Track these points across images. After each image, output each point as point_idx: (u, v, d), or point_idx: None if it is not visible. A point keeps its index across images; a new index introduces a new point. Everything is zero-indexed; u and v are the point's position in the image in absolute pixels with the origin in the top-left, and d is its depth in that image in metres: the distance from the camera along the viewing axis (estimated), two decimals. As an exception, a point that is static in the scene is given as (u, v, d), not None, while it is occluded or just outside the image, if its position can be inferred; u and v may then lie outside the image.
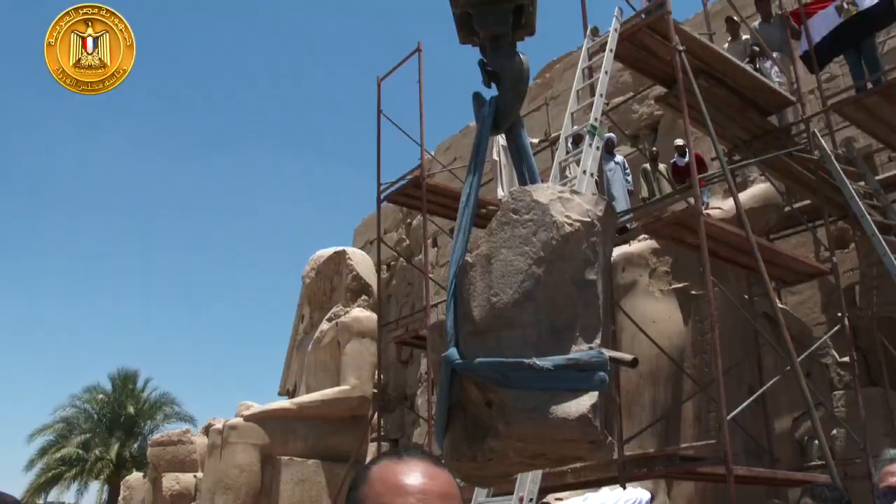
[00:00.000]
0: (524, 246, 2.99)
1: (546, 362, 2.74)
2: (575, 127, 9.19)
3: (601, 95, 9.01)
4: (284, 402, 14.23)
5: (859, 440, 8.35)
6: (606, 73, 9.22)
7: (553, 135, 13.18)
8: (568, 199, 3.18)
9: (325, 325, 14.92)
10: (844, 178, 9.82)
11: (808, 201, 11.56)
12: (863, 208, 9.69)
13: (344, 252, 15.78)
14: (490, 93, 3.62)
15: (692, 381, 8.88)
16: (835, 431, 9.39)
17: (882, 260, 9.58)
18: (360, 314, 14.60)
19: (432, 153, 14.89)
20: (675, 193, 10.56)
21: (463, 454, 2.87)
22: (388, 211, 16.95)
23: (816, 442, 9.13)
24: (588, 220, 3.09)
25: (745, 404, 7.89)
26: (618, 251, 9.47)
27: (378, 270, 14.77)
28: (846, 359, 10.50)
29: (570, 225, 3.04)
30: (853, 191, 9.77)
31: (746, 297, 9.98)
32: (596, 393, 2.80)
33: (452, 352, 2.83)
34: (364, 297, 15.01)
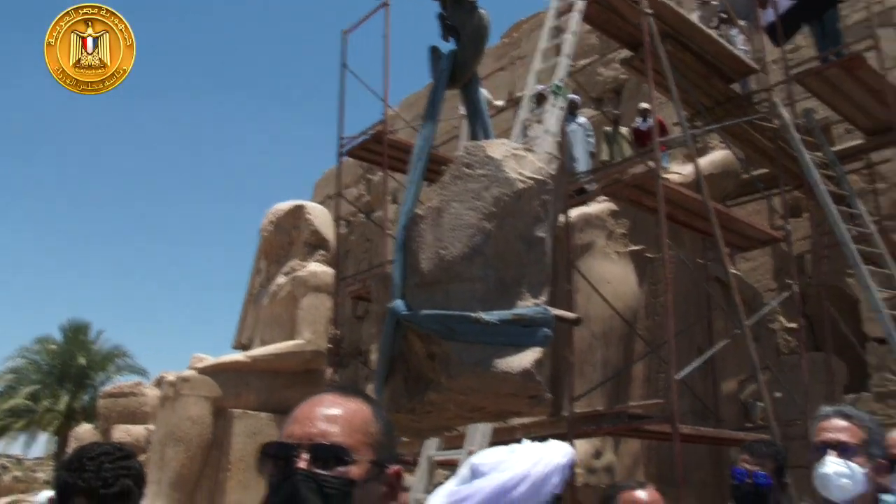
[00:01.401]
0: (475, 201, 2.99)
1: (492, 317, 2.75)
2: (539, 86, 9.16)
3: (567, 56, 8.97)
4: (238, 356, 14.18)
5: (801, 403, 8.55)
6: (574, 33, 9.18)
7: (517, 95, 13.13)
8: (522, 156, 3.18)
9: (281, 279, 14.84)
10: (802, 147, 9.94)
11: (765, 169, 11.69)
12: (818, 178, 9.82)
13: (303, 206, 15.66)
14: (449, 48, 3.59)
15: (644, 343, 9.01)
16: (778, 394, 9.60)
17: (833, 229, 9.75)
18: (317, 269, 14.53)
19: (396, 109, 14.77)
20: (635, 156, 10.61)
21: (402, 406, 2.88)
22: (349, 166, 16.83)
23: (760, 404, 9.35)
24: (541, 177, 3.09)
25: (693, 366, 8.03)
26: (576, 212, 9.52)
27: (337, 225, 14.70)
28: (794, 325, 10.72)
29: (523, 182, 3.04)
30: (810, 160, 9.89)
31: (700, 261, 10.11)
32: (539, 349, 2.83)
33: (398, 303, 2.83)
34: (322, 251, 14.94)
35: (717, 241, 8.56)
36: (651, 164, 8.49)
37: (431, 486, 6.91)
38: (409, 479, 7.45)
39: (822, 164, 10.50)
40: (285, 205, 15.76)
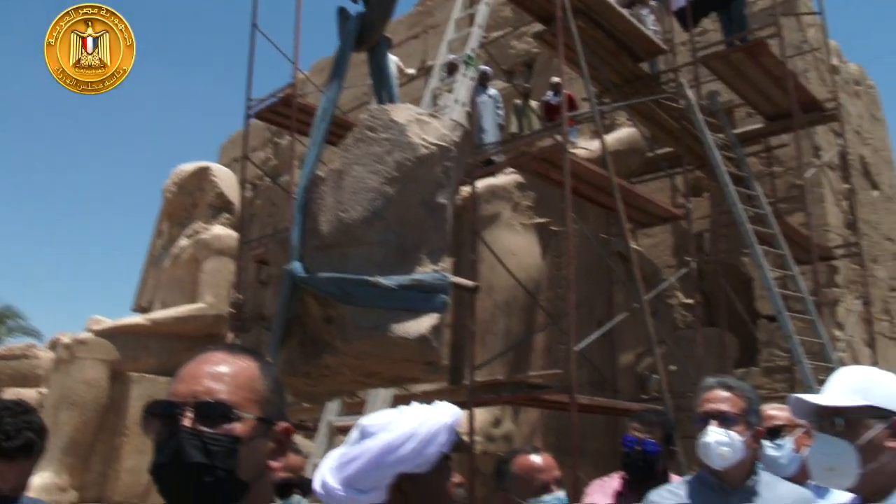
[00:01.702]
0: (378, 164, 2.96)
1: (390, 281, 2.74)
2: (451, 56, 9.13)
3: (480, 27, 8.97)
4: (137, 318, 13.84)
5: (694, 376, 8.83)
6: (487, 4, 9.17)
7: (429, 63, 13.07)
8: (426, 121, 3.16)
9: (184, 242, 14.53)
10: (705, 128, 10.20)
11: (669, 149, 11.97)
12: (719, 159, 10.11)
13: (208, 168, 15.32)
14: (358, 9, 3.54)
15: (545, 314, 9.15)
16: (673, 367, 9.92)
17: (731, 209, 10.07)
18: (221, 232, 14.27)
19: (306, 73, 14.51)
20: (543, 130, 10.71)
21: (297, 370, 2.86)
22: (257, 129, 16.49)
23: (656, 376, 9.63)
24: (444, 144, 3.08)
25: (592, 338, 8.20)
26: (483, 183, 9.57)
27: (242, 188, 14.42)
28: (690, 301, 11.06)
29: (426, 147, 3.02)
30: (712, 142, 10.16)
31: (603, 235, 10.30)
32: (437, 315, 2.83)
33: (296, 265, 2.80)
34: (226, 214, 14.68)
35: (621, 217, 8.74)
36: (559, 138, 8.58)
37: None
38: (309, 444, 7.42)
39: (723, 145, 10.81)
40: (190, 166, 15.39)
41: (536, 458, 2.83)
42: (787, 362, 11.29)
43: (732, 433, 2.69)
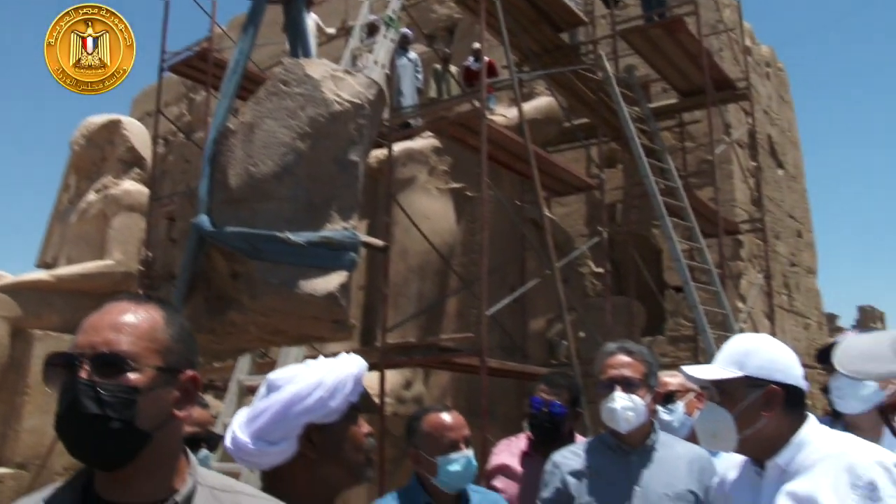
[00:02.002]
0: (290, 119, 2.92)
1: (299, 237, 2.72)
2: (372, 16, 9.02)
3: (402, -12, 8.86)
4: (41, 274, 13.35)
5: (602, 343, 9.05)
6: (409, -35, 9.07)
7: (350, 24, 12.89)
8: (341, 78, 3.12)
9: (92, 196, 14.05)
10: (621, 101, 10.36)
11: (585, 120, 12.12)
12: (634, 132, 10.28)
13: (119, 121, 14.80)
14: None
15: (458, 278, 9.21)
16: (582, 334, 10.13)
17: (644, 181, 10.28)
18: (131, 187, 13.85)
19: (224, 27, 14.14)
20: (462, 95, 10.71)
21: (202, 326, 2.81)
22: (171, 83, 16.04)
23: (565, 342, 9.82)
24: (358, 101, 3.06)
25: (504, 302, 8.30)
26: (399, 147, 9.53)
27: (154, 144, 14.03)
28: (601, 270, 11.28)
29: (340, 104, 2.99)
30: (627, 114, 10.33)
31: (518, 203, 10.40)
32: (345, 273, 2.82)
33: (203, 219, 2.75)
34: (137, 170, 14.23)
35: (536, 185, 8.82)
36: (477, 103, 8.59)
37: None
38: (219, 405, 7.34)
39: (638, 118, 11.00)
40: (100, 118, 14.85)
41: (446, 417, 2.86)
42: (692, 332, 11.67)
43: (636, 398, 2.78)
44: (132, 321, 1.37)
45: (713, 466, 2.84)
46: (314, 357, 1.97)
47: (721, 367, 2.29)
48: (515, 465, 3.56)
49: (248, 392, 6.88)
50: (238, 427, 1.87)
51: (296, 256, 2.72)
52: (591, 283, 12.39)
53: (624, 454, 2.85)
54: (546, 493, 2.90)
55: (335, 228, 2.82)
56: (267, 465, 1.82)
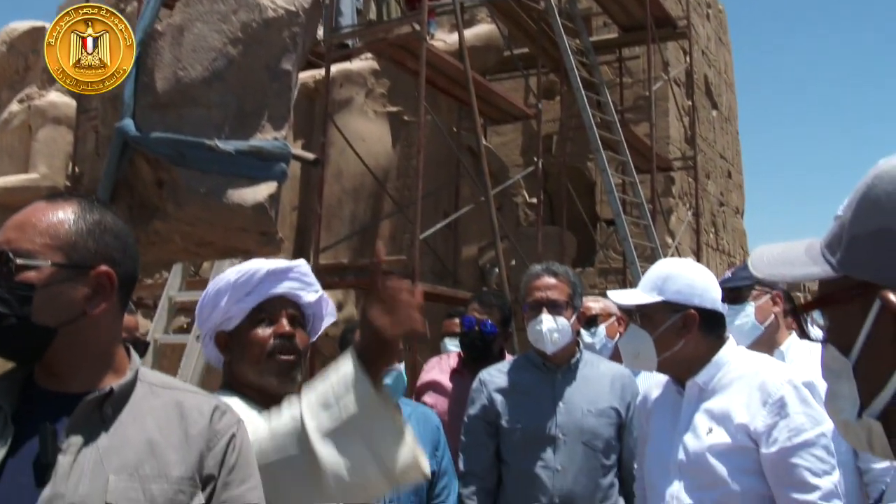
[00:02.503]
0: (222, 23, 2.82)
1: (227, 145, 2.65)
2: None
3: None
4: (-40, 185, 12.90)
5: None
6: None
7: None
8: (276, -17, 3.02)
9: (15, 107, 13.51)
10: (563, 32, 10.29)
11: (525, 49, 12.03)
12: (573, 64, 10.26)
13: (44, 28, 14.17)
14: None
15: (392, 202, 9.17)
16: (513, 262, 10.22)
17: (581, 114, 10.31)
18: (58, 99, 13.35)
19: (156, -68, 13.56)
20: (403, 18, 10.51)
21: None
22: (101, -11, 15.39)
23: (496, 269, 9.90)
24: (293, 8, 2.97)
25: (437, 227, 8.30)
26: (337, 67, 9.34)
27: (82, 52, 13.51)
28: (534, 200, 11.35)
29: (274, 10, 2.90)
30: (568, 46, 10.28)
31: (455, 129, 10.34)
32: (275, 184, 2.77)
33: (127, 123, 2.65)
34: (63, 79, 13.73)
35: (473, 112, 8.77)
36: (417, 26, 8.44)
37: (171, 328, 6.78)
38: (147, 323, 7.24)
39: (578, 51, 10.97)
40: (23, 24, 14.19)
41: None
42: (621, 264, 11.89)
43: (562, 319, 2.84)
44: (35, 218, 1.36)
45: (635, 385, 2.93)
46: None
47: (642, 292, 2.38)
48: (445, 381, 3.61)
49: (178, 309, 6.80)
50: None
51: (224, 165, 2.65)
52: (524, 213, 12.48)
53: (549, 372, 2.91)
54: (473, 410, 2.96)
55: (265, 138, 2.75)
56: (216, 363, 1.94)
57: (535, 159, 10.44)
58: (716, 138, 15.06)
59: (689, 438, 2.28)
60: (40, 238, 1.33)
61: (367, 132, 9.17)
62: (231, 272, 1.88)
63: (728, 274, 2.86)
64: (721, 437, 2.22)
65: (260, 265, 1.89)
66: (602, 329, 3.65)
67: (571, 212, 11.60)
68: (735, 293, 2.76)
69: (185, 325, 7.39)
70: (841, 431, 0.95)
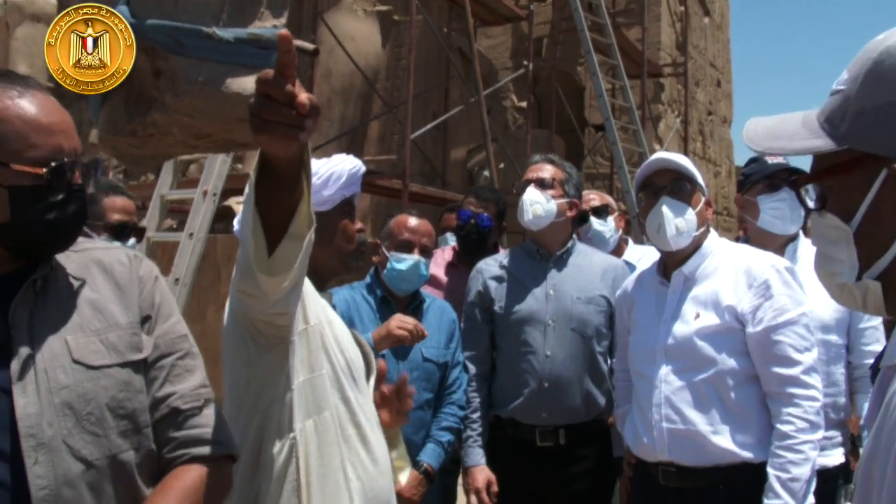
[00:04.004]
0: None
1: (226, 33, 2.61)
2: None
3: None
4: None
5: (522, 174, 9.18)
6: None
7: None
8: None
9: (-10, 0, 13.18)
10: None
11: (519, -52, 11.78)
12: (566, -37, 10.07)
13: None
14: None
15: (382, 102, 9.11)
16: (502, 165, 10.23)
17: (573, 14, 10.17)
18: (37, -9, 13.03)
19: None
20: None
21: (121, 129, 2.71)
22: None
23: (485, 172, 9.92)
24: None
25: (427, 127, 8.28)
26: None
27: (61, -56, 13.10)
28: (523, 104, 11.29)
29: None
30: (561, -56, 10.06)
31: (446, 30, 10.20)
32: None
33: (122, 9, 2.61)
34: (42, -28, 13.36)
35: (466, 11, 8.64)
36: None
37: (166, 226, 6.77)
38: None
39: (571, -50, 10.74)
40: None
41: (412, 220, 2.96)
42: (608, 170, 11.92)
43: (547, 194, 2.88)
44: (68, 118, 1.44)
45: (628, 276, 3.00)
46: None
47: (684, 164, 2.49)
48: (441, 274, 3.68)
49: (170, 207, 6.78)
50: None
51: (222, 53, 2.60)
52: (513, 117, 12.42)
53: (542, 260, 2.98)
54: (470, 297, 3.06)
55: (264, 26, 2.70)
56: None
57: (525, 62, 10.34)
58: (707, 46, 14.90)
59: (676, 325, 2.39)
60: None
61: (356, 31, 9.03)
62: (344, 161, 1.96)
63: (776, 160, 2.83)
64: (709, 319, 2.34)
65: (357, 161, 1.97)
66: (612, 219, 3.74)
67: (560, 116, 11.56)
68: (772, 180, 2.78)
69: (173, 226, 7.40)
70: (834, 293, 1.01)
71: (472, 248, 3.59)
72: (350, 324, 2.76)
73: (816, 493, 2.39)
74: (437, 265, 3.72)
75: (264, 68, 2.71)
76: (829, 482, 2.57)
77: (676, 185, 2.44)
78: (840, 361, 2.69)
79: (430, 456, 2.84)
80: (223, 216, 6.80)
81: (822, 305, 2.61)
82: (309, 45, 3.22)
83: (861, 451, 2.37)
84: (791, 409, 2.24)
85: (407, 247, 2.86)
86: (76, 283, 1.42)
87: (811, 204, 1.01)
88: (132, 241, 2.73)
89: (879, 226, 0.92)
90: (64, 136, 1.40)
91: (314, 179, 1.90)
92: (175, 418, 1.42)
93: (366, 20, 9.35)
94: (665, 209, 2.41)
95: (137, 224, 2.83)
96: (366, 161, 7.70)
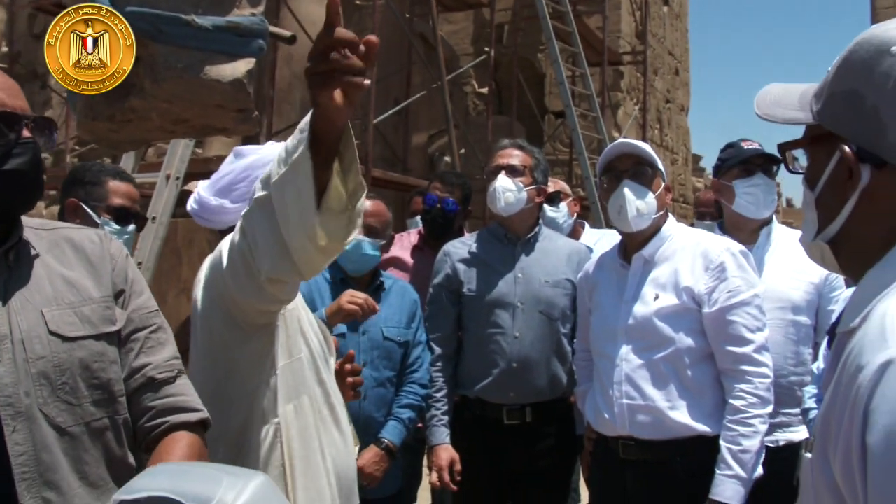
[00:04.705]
0: None
1: (205, 20, 2.66)
2: None
3: None
4: None
5: (482, 160, 9.27)
6: None
7: None
8: None
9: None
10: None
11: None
12: (528, -50, 10.15)
13: None
14: None
15: (344, 88, 9.11)
16: (463, 150, 10.33)
17: (535, 2, 10.28)
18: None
19: None
20: None
21: (100, 113, 2.75)
22: None
23: (446, 158, 10.01)
24: None
25: (389, 113, 8.34)
26: (289, -53, 9.11)
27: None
28: (484, 90, 11.38)
29: None
30: (522, -69, 10.14)
31: (408, 15, 10.24)
32: (253, 60, 2.80)
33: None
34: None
35: (428, -3, 8.69)
36: None
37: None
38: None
39: (533, -63, 10.81)
40: None
41: (366, 202, 2.96)
42: (567, 157, 12.08)
43: (518, 182, 2.97)
44: (13, 82, 1.49)
45: (591, 259, 3.11)
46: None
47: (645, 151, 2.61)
48: (406, 257, 3.75)
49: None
50: (202, 188, 2.02)
51: (201, 41, 2.65)
52: (473, 103, 12.52)
53: (510, 244, 3.06)
54: (437, 280, 3.11)
55: (243, 14, 2.76)
56: (224, 224, 1.97)
57: (486, 49, 10.43)
58: (665, 34, 15.12)
59: (636, 306, 2.50)
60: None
61: (318, 16, 8.95)
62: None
63: (751, 145, 2.91)
64: (668, 301, 2.46)
65: None
66: (564, 205, 3.83)
67: (521, 102, 11.67)
68: (747, 165, 2.87)
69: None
70: (807, 252, 1.14)
71: (438, 232, 3.65)
72: (312, 305, 2.84)
73: (785, 466, 2.56)
74: (404, 248, 3.79)
75: (242, 56, 2.79)
76: (795, 457, 2.71)
77: (638, 170, 2.55)
78: (809, 342, 2.81)
79: (392, 433, 2.92)
80: (183, 200, 6.81)
81: (793, 288, 2.76)
82: (286, 33, 3.28)
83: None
84: (743, 386, 2.38)
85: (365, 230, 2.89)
86: (48, 259, 1.47)
87: (796, 169, 1.13)
88: (132, 226, 2.76)
89: (832, 197, 1.04)
90: (7, 94, 1.44)
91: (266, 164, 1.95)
92: (150, 387, 1.47)
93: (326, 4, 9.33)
94: (627, 191, 2.52)
95: (139, 212, 2.86)
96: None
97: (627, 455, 2.50)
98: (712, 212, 4.11)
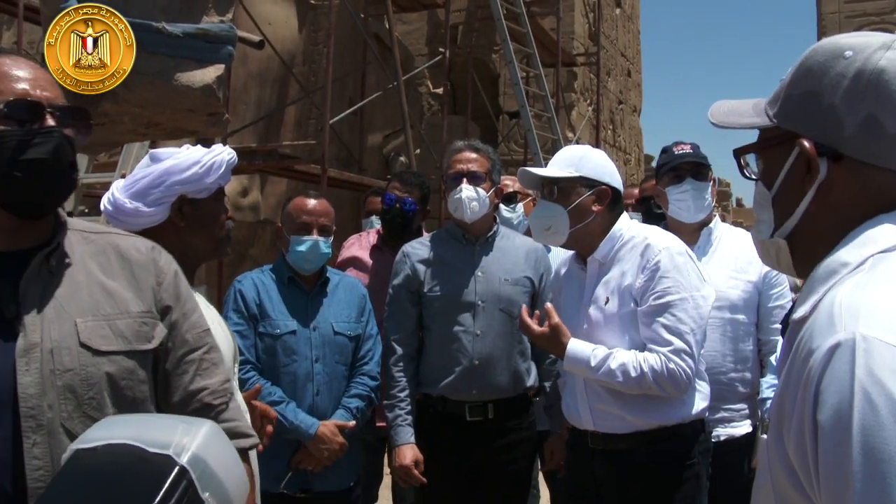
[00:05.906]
0: None
1: (175, 28, 2.74)
2: None
3: None
4: None
5: (437, 159, 9.34)
6: None
7: None
8: None
9: None
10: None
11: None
12: (482, -48, 10.25)
13: None
14: None
15: (299, 86, 9.12)
16: (418, 150, 10.39)
17: (490, 3, 10.39)
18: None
19: None
20: None
21: None
22: None
23: (402, 158, 10.08)
24: None
25: (345, 113, 8.36)
26: (243, -53, 9.09)
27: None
28: (439, 90, 11.47)
29: None
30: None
31: (363, 15, 10.28)
32: (222, 66, 2.89)
33: (72, 3, 2.70)
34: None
35: (384, -2, 8.73)
36: None
37: (78, 211, 6.71)
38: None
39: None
40: None
41: (310, 201, 3.00)
42: (522, 157, 12.23)
43: (480, 190, 3.05)
44: (45, 73, 1.42)
45: (547, 258, 3.21)
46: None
47: (559, 169, 2.63)
48: (365, 257, 3.80)
49: (84, 189, 6.73)
50: (116, 189, 2.08)
51: (172, 48, 2.74)
52: (428, 103, 12.61)
53: (468, 244, 3.14)
54: (397, 280, 3.15)
55: (212, 21, 2.84)
56: (139, 226, 2.00)
57: (441, 49, 10.51)
58: (618, 36, 15.36)
59: (591, 309, 2.59)
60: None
61: (273, 15, 9.00)
62: (223, 151, 2.05)
63: (683, 150, 3.02)
64: (617, 304, 2.54)
65: (233, 152, 2.08)
66: (520, 206, 3.89)
67: (475, 103, 11.78)
68: (677, 171, 2.98)
69: (86, 211, 7.31)
70: (759, 252, 1.23)
71: (397, 232, 3.68)
72: (260, 305, 2.92)
73: (725, 461, 2.67)
74: (362, 248, 3.84)
75: (212, 63, 2.87)
76: (736, 451, 2.85)
77: (547, 190, 2.64)
78: (749, 339, 2.93)
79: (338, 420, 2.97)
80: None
81: (731, 287, 2.88)
82: (254, 38, 3.38)
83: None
84: (653, 359, 2.43)
85: (306, 229, 2.94)
86: (92, 265, 1.43)
87: (749, 174, 1.23)
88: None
89: (790, 193, 1.13)
90: (33, 84, 1.37)
91: (197, 168, 2.02)
92: (207, 413, 1.45)
93: (283, 4, 9.33)
94: (537, 211, 2.67)
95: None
96: (283, 146, 7.76)
97: (596, 445, 2.59)
98: (633, 203, 4.22)
